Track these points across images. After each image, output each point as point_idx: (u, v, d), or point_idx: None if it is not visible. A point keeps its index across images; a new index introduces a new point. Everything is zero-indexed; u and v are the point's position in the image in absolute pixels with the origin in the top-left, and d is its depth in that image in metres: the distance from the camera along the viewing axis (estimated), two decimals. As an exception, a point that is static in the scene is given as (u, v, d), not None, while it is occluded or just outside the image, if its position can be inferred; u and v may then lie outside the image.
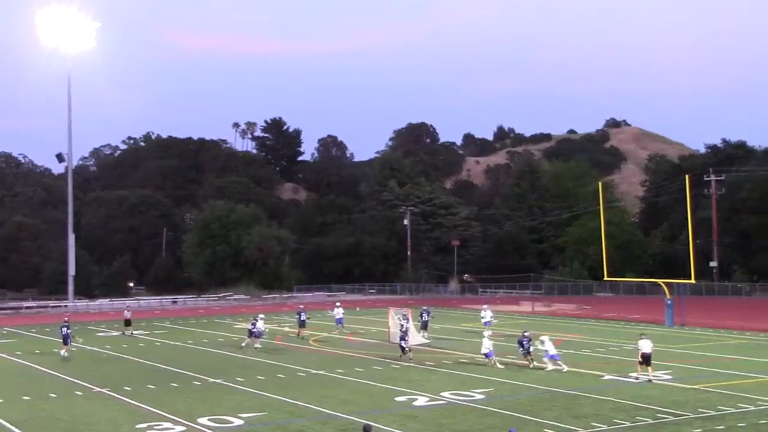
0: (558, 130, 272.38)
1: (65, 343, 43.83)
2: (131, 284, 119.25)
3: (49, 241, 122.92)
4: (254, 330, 44.98)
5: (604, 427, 24.31)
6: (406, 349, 39.84)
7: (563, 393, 29.94)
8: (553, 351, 36.48)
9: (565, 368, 35.50)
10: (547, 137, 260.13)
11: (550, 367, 35.77)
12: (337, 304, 58.39)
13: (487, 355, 37.33)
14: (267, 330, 49.00)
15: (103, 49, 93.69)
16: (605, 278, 64.91)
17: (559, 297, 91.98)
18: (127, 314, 56.54)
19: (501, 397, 29.20)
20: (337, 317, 54.74)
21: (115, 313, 79.80)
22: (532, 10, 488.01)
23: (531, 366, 36.13)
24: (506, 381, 32.86)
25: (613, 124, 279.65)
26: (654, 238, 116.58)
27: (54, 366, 39.74)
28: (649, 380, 32.58)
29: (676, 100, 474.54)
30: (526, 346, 37.25)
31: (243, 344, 45.30)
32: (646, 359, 33.02)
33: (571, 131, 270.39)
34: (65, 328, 44.31)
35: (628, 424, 24.68)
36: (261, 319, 47.10)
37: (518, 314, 70.06)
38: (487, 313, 52.31)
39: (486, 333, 40.72)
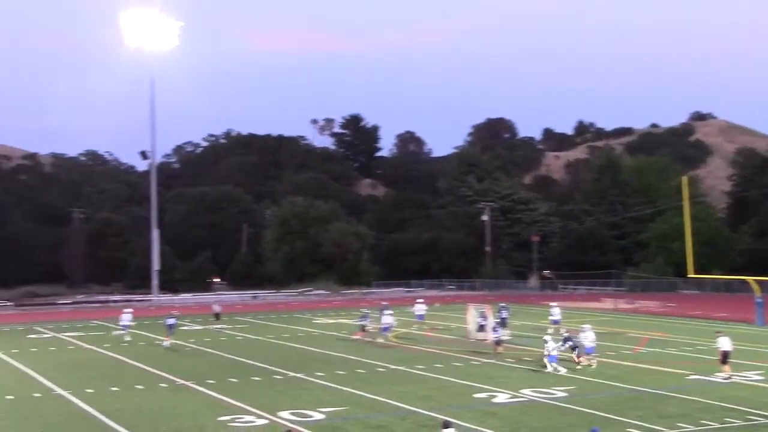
0: (640, 123, 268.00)
1: (169, 333, 46.14)
2: (216, 279, 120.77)
3: (133, 236, 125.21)
4: (384, 324, 45.72)
5: (691, 427, 23.80)
6: (496, 340, 40.63)
7: (648, 392, 29.44)
8: (590, 344, 36.43)
9: (595, 364, 35.59)
10: (628, 131, 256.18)
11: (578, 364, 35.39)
12: (419, 300, 58.24)
13: (550, 359, 34.97)
14: (395, 324, 48.75)
15: (185, 48, 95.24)
16: (690, 275, 63.66)
17: (642, 294, 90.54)
18: (217, 308, 57.27)
19: (583, 396, 28.84)
20: (418, 313, 54.61)
21: (199, 307, 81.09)
22: (612, 1, 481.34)
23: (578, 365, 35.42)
24: (589, 379, 32.44)
25: (698, 117, 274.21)
26: (742, 234, 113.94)
27: (140, 358, 40.48)
28: (728, 378, 32.09)
29: (765, 91, 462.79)
30: (569, 344, 36.48)
31: (378, 339, 45.60)
32: (725, 357, 32.55)
33: (654, 125, 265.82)
34: (172, 320, 46.68)
35: (716, 425, 24.10)
36: (388, 314, 47.46)
37: (600, 311, 69.20)
38: (555, 311, 51.42)
39: (549, 332, 39.68)
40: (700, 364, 36.46)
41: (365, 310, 49.21)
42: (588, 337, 36.63)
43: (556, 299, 64.17)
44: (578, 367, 35.01)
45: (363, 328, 47.28)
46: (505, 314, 49.77)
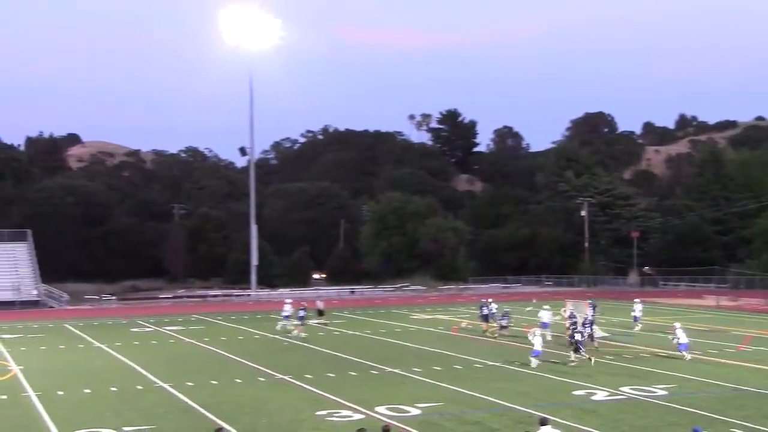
0: (745, 116, 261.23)
1: (300, 324, 48.30)
2: (317, 276, 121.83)
3: (232, 232, 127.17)
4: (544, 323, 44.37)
5: (798, 428, 23.16)
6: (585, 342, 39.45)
7: (753, 392, 28.71)
8: (684, 340, 36.59)
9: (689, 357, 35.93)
10: (732, 124, 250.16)
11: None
12: (545, 307, 55.84)
13: (534, 354, 35.25)
14: (550, 322, 46.04)
15: (282, 45, 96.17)
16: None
17: (745, 291, 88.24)
18: (320, 304, 57.09)
19: (684, 394, 28.26)
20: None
21: (296, 302, 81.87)
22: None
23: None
24: (691, 377, 31.78)
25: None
26: None
27: (239, 352, 41.06)
28: None
29: None
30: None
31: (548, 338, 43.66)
32: None
33: (760, 118, 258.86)
34: (302, 311, 48.67)
35: (823, 425, 23.41)
36: (546, 309, 46.52)
37: (701, 309, 67.76)
38: (638, 307, 50.28)
39: (537, 331, 37.94)
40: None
41: (506, 308, 47.62)
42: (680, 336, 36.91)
43: (640, 296, 62.35)
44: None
45: (501, 327, 45.89)
46: (591, 312, 48.68)
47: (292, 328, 49.71)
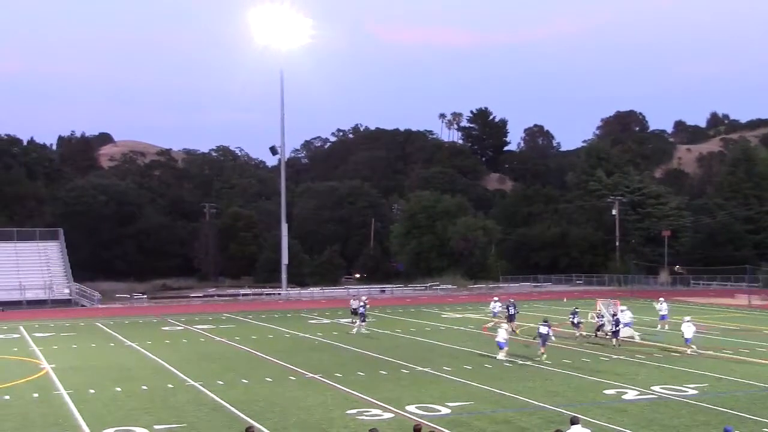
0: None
1: (363, 320, 49.72)
2: (357, 275, 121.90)
3: (263, 230, 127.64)
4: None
5: (830, 428, 22.99)
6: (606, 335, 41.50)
7: (784, 391, 28.55)
8: (689, 335, 37.99)
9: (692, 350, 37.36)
10: (764, 123, 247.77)
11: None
12: (495, 299, 57.44)
13: (499, 345, 37.22)
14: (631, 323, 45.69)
15: (314, 45, 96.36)
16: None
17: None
18: (354, 304, 56.38)
19: (715, 394, 28.12)
20: (662, 313, 49.97)
21: (326, 301, 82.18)
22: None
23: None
24: (722, 377, 31.62)
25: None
26: None
27: (269, 351, 41.22)
28: None
29: None
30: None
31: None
32: None
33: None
34: (363, 307, 49.91)
35: None
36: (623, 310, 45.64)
37: (733, 308, 67.31)
38: (663, 306, 50.00)
39: (504, 325, 39.42)
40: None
41: (576, 308, 46.91)
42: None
43: (672, 295, 61.88)
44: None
45: (575, 325, 44.94)
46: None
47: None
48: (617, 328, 41.28)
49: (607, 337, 42.27)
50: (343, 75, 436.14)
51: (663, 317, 49.38)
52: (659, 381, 30.60)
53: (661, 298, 52.24)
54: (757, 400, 26.99)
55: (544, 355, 37.01)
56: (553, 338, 38.60)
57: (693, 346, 38.18)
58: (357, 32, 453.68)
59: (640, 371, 33.36)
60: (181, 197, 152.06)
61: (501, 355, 36.64)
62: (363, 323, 49.89)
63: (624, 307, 45.77)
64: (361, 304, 50.99)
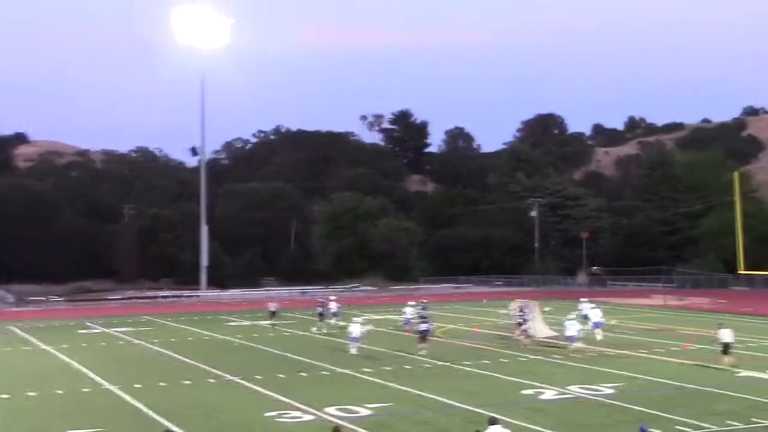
0: (691, 119, 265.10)
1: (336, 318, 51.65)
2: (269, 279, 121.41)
3: (183, 232, 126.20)
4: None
5: (741, 425, 23.51)
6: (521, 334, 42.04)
7: (697, 389, 29.14)
8: (571, 332, 39.87)
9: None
10: (679, 126, 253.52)
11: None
12: (583, 299, 53.73)
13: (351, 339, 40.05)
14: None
15: (234, 44, 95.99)
16: (741, 272, 62.87)
17: (692, 291, 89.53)
18: (272, 306, 56.32)
19: (631, 392, 28.60)
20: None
21: (246, 303, 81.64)
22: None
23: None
24: (637, 376, 32.17)
25: (751, 111, 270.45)
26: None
27: (189, 354, 40.83)
28: (731, 369, 32.92)
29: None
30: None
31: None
32: (726, 348, 33.80)
33: (706, 120, 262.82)
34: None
35: (766, 423, 23.77)
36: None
37: (649, 308, 68.62)
38: (585, 306, 50.61)
39: (359, 320, 42.16)
40: (751, 361, 35.95)
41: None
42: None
43: (588, 296, 62.74)
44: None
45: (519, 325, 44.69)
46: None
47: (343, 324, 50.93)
48: (525, 327, 42.15)
49: (520, 336, 42.66)
50: (264, 76, 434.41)
51: (585, 317, 49.75)
52: (576, 381, 31.01)
53: (584, 299, 52.90)
54: (671, 399, 27.51)
55: (424, 351, 38.59)
56: (432, 328, 41.79)
57: (577, 344, 39.48)
58: (278, 33, 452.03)
59: (557, 371, 33.79)
60: (99, 198, 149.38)
61: (353, 350, 39.48)
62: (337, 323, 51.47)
63: (593, 305, 46.61)
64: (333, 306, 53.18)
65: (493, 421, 17.82)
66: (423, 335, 40.15)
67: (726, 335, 34.18)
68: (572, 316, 41.84)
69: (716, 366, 33.75)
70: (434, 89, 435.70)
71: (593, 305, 47.12)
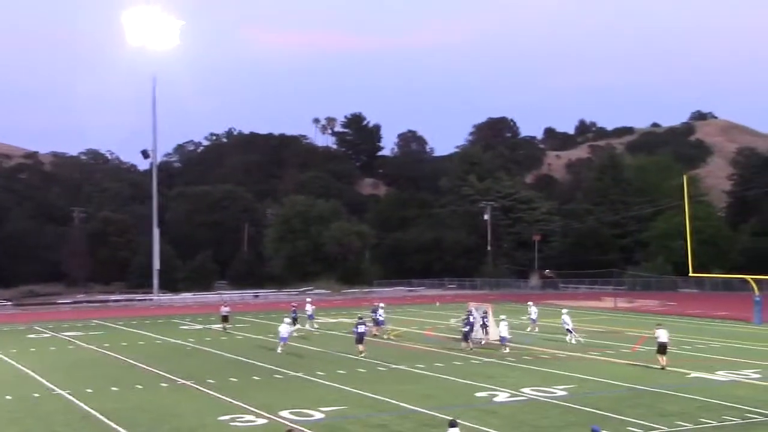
0: (641, 123, 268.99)
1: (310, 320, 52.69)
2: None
3: (135, 235, 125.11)
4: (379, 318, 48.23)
5: (690, 426, 23.85)
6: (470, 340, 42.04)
7: (647, 390, 29.48)
8: (504, 333, 41.28)
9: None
10: (629, 131, 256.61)
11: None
12: (530, 303, 54.15)
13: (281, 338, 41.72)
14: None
15: (186, 47, 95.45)
16: (690, 274, 63.67)
17: (642, 293, 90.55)
18: (225, 310, 55.63)
19: (583, 394, 28.87)
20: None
21: (199, 307, 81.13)
22: (613, 1, 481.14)
23: None
24: (588, 377, 32.48)
25: (699, 116, 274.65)
26: (742, 234, 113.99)
27: (140, 358, 40.49)
28: (662, 368, 33.98)
29: (765, 91, 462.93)
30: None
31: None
32: (662, 348, 34.65)
33: (655, 124, 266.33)
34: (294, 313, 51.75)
35: (714, 423, 24.15)
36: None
37: (600, 310, 69.27)
38: (532, 309, 51.19)
39: (287, 320, 44.87)
40: (699, 363, 36.48)
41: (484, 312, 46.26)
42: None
43: (541, 299, 63.55)
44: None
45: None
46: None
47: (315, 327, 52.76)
48: (466, 330, 42.60)
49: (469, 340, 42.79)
50: (216, 78, 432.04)
51: (532, 320, 50.41)
52: (529, 383, 31.22)
53: (530, 302, 53.34)
54: (621, 400, 27.81)
55: (363, 353, 39.12)
56: (375, 327, 43.38)
57: (508, 346, 40.49)
58: (231, 35, 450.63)
59: (510, 374, 33.99)
60: (48, 201, 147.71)
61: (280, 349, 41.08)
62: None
63: (565, 310, 46.95)
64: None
65: (452, 424, 17.99)
66: (360, 337, 40.38)
67: (663, 335, 34.97)
68: (504, 317, 42.11)
69: (657, 366, 34.23)
70: (387, 93, 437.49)
71: (565, 311, 47.17)
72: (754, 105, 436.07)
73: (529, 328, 49.78)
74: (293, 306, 54.56)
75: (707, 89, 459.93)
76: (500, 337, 41.12)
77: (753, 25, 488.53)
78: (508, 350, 40.20)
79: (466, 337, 42.08)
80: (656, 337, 35.28)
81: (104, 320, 64.67)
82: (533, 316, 50.65)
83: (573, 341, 43.67)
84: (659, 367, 34.15)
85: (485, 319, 44.63)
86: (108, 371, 36.67)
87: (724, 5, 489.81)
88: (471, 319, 43.56)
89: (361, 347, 40.06)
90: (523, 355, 39.22)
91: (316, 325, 53.43)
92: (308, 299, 60.46)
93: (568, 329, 44.68)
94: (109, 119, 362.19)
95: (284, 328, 42.44)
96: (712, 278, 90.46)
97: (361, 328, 40.69)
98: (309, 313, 54.71)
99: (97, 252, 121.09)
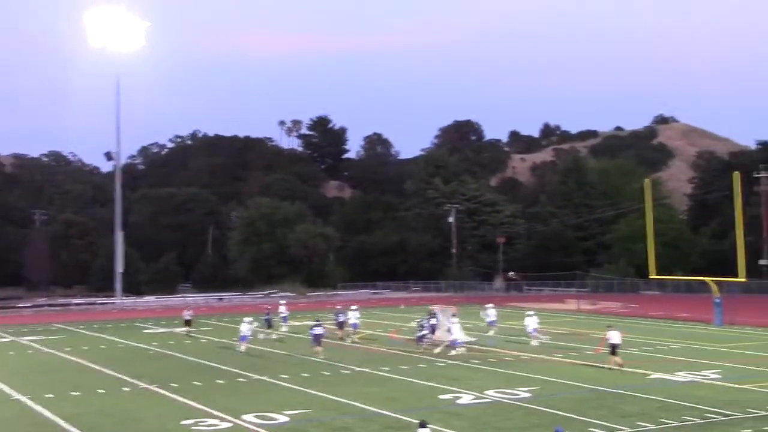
0: (605, 127, 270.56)
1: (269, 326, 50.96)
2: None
3: (98, 238, 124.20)
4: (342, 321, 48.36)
5: (651, 426, 24.03)
6: (423, 342, 42.21)
7: (609, 392, 29.67)
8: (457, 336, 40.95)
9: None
10: (593, 134, 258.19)
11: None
12: (489, 305, 53.70)
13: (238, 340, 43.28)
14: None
15: (150, 49, 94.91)
16: (652, 276, 64.18)
17: (605, 295, 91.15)
18: (188, 315, 55.10)
19: (547, 396, 29.00)
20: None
21: (162, 310, 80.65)
22: (577, 4, 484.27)
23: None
24: (551, 379, 32.64)
25: (661, 120, 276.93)
26: (702, 236, 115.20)
27: (102, 362, 40.18)
28: (620, 369, 34.34)
29: (725, 96, 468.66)
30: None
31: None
32: (614, 349, 35.12)
33: (618, 128, 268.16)
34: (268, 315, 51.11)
35: (675, 423, 24.35)
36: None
37: (563, 312, 69.67)
38: (491, 312, 51.22)
39: (246, 319, 44.61)
40: (661, 364, 36.80)
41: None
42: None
43: (505, 301, 63.76)
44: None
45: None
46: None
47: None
48: (421, 334, 42.81)
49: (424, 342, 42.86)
50: (181, 80, 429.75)
51: (490, 323, 50.23)
52: (493, 385, 31.31)
53: (489, 305, 53.33)
54: (584, 401, 27.97)
55: (321, 355, 39.56)
56: (326, 332, 42.85)
57: (461, 349, 40.56)
58: (195, 37, 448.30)
59: (474, 376, 34.07)
60: (9, 203, 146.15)
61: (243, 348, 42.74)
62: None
63: (531, 312, 46.99)
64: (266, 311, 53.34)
65: (422, 424, 18.08)
66: (317, 339, 40.69)
67: (614, 336, 35.44)
68: (455, 320, 42.17)
69: (616, 367, 34.50)
70: (353, 95, 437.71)
71: (531, 313, 47.11)
72: (714, 109, 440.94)
73: (491, 332, 49.78)
74: (267, 309, 54.45)
75: (669, 93, 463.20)
76: (451, 340, 40.90)
77: (713, 32, 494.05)
78: (455, 352, 40.07)
79: (419, 340, 42.00)
80: (607, 339, 35.77)
81: (66, 324, 64.11)
82: (492, 318, 50.54)
83: (535, 343, 43.78)
84: (617, 367, 34.48)
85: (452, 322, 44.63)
86: (69, 376, 36.34)
87: (685, 12, 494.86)
88: (431, 322, 43.73)
89: (318, 349, 40.24)
90: (487, 358, 39.33)
91: (285, 328, 53.48)
92: (282, 301, 60.65)
93: (530, 330, 44.76)
94: (72, 121, 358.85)
95: (245, 327, 43.26)
96: (673, 280, 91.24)
97: (318, 330, 40.89)
98: (284, 315, 54.53)
99: (59, 255, 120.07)
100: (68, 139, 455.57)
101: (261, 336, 49.09)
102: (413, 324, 53.46)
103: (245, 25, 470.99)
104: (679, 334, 50.56)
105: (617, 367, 34.46)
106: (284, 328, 53.64)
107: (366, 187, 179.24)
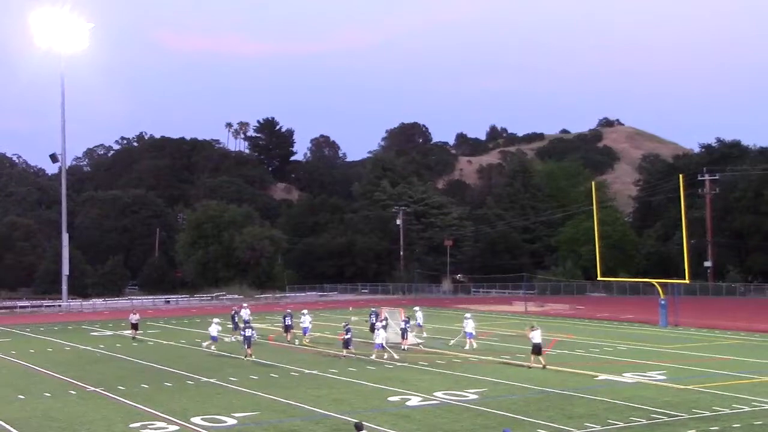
0: (551, 129, 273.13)
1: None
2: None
3: (43, 240, 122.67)
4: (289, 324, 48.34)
5: (598, 427, 24.34)
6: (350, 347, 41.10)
7: (557, 393, 29.99)
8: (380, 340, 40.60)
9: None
10: (539, 137, 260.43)
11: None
12: (416, 307, 54.21)
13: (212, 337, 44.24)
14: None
15: (96, 50, 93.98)
16: (598, 278, 64.99)
17: (552, 297, 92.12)
18: (134, 318, 54.45)
19: (494, 397, 29.24)
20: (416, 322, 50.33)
21: (109, 312, 79.87)
22: (523, 9, 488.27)
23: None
24: (500, 381, 32.90)
25: (606, 123, 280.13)
26: (647, 238, 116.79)
27: (48, 365, 39.73)
28: (544, 367, 35.64)
29: (670, 100, 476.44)
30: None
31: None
32: (537, 349, 36.35)
33: (564, 131, 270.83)
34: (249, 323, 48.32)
35: (621, 424, 24.69)
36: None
37: (510, 314, 70.17)
38: (418, 314, 51.23)
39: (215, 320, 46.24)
40: (607, 365, 37.27)
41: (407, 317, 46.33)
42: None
43: (453, 303, 63.97)
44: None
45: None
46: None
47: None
48: (348, 337, 42.04)
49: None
50: (127, 82, 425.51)
51: (418, 325, 49.85)
52: (442, 387, 31.49)
53: (416, 307, 53.29)
54: (532, 402, 28.25)
55: (252, 357, 40.25)
56: (255, 335, 43.52)
57: (387, 352, 40.24)
58: (141, 38, 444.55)
59: (423, 378, 34.23)
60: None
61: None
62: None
63: (469, 315, 46.85)
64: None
65: (358, 427, 18.01)
66: (248, 341, 41.15)
67: (536, 336, 36.55)
68: (381, 325, 42.03)
69: (539, 366, 34.86)
70: (300, 97, 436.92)
71: (469, 316, 46.95)
72: (658, 112, 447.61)
73: (414, 333, 49.26)
74: (234, 309, 55.27)
75: (614, 97, 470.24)
76: (376, 343, 40.31)
77: (657, 37, 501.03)
78: (375, 356, 39.76)
79: (346, 344, 40.84)
80: (530, 338, 36.68)
81: (11, 327, 63.24)
82: (419, 321, 50.38)
83: (468, 347, 43.57)
84: (540, 366, 35.59)
85: (407, 324, 44.69)
86: (14, 379, 35.86)
87: (629, 17, 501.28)
88: (382, 324, 43.68)
89: (249, 351, 40.86)
90: (435, 360, 39.52)
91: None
92: (244, 304, 60.68)
93: (466, 332, 44.66)
94: (16, 122, 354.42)
95: (213, 328, 44.59)
96: (619, 282, 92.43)
97: (248, 332, 41.54)
98: (245, 318, 53.97)
99: (3, 257, 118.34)
100: (13, 141, 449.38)
101: (227, 339, 48.83)
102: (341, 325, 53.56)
103: (191, 26, 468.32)
104: (625, 335, 51.24)
105: (539, 365, 35.57)
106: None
107: (313, 189, 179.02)
